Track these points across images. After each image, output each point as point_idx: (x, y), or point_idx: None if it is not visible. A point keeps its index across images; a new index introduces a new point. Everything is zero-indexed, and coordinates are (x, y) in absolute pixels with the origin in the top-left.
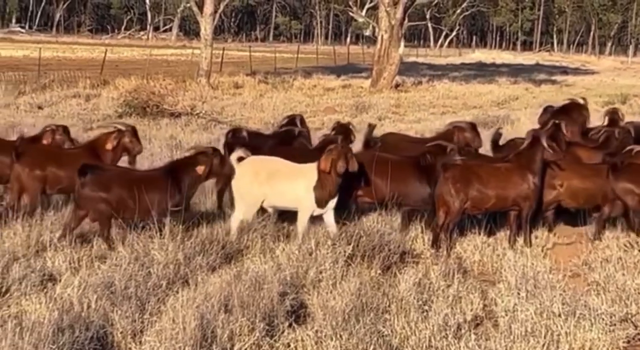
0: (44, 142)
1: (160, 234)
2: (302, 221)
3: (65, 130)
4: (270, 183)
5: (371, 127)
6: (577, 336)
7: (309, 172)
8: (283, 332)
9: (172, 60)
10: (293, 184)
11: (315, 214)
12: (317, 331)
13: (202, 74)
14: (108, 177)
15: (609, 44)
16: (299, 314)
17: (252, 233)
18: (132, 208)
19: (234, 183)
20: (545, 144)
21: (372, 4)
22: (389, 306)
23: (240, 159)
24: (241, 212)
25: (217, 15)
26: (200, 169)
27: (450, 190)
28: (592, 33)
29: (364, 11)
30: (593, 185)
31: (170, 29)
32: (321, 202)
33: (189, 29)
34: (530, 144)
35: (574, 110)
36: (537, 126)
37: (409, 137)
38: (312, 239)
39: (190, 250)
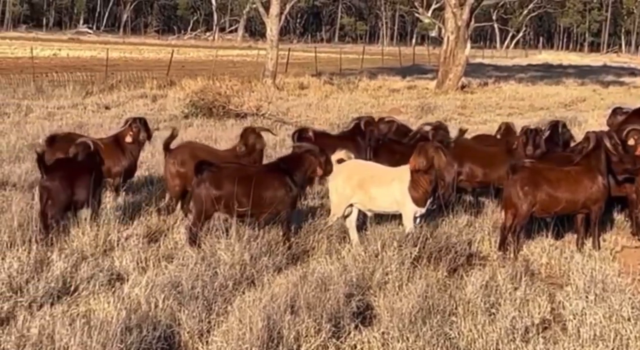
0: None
1: (227, 235)
2: (408, 223)
3: (142, 121)
4: (364, 188)
5: (462, 132)
6: None
7: (402, 174)
8: (349, 333)
9: (237, 61)
10: (387, 189)
11: (417, 214)
12: (383, 333)
13: (268, 74)
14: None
15: None
16: (365, 316)
17: (318, 234)
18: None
19: (330, 183)
20: (609, 146)
21: (438, 5)
22: (456, 308)
23: (339, 161)
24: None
25: (283, 16)
26: (318, 171)
27: (518, 192)
28: None
29: (430, 12)
30: None
31: (236, 30)
32: (419, 202)
33: (255, 30)
34: (594, 146)
35: None
36: (605, 128)
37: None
38: (379, 240)
39: (257, 250)
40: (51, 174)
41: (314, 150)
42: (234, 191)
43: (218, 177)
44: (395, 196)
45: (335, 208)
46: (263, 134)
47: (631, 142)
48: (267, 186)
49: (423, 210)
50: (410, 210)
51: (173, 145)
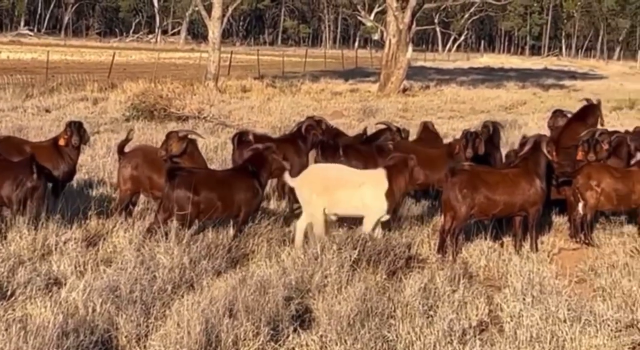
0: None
1: (166, 238)
2: (369, 226)
3: (77, 125)
4: (329, 191)
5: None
6: (582, 342)
7: (376, 178)
8: (288, 336)
9: (180, 64)
10: (355, 192)
11: (383, 220)
12: (321, 336)
13: (210, 77)
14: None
15: (618, 49)
16: (304, 319)
17: (259, 237)
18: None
19: (302, 195)
20: (546, 149)
21: (380, 8)
22: (394, 311)
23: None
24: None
25: (225, 19)
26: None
27: (457, 195)
28: (600, 38)
29: (372, 15)
30: None
31: (179, 33)
32: (392, 207)
33: (198, 33)
34: (532, 149)
35: (589, 114)
36: (546, 131)
37: None
38: (318, 243)
39: (196, 254)
40: None
41: (273, 148)
42: (209, 195)
43: (191, 181)
44: (363, 200)
45: (314, 218)
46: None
47: (605, 145)
48: (237, 189)
49: (388, 216)
50: (376, 216)
51: (127, 148)
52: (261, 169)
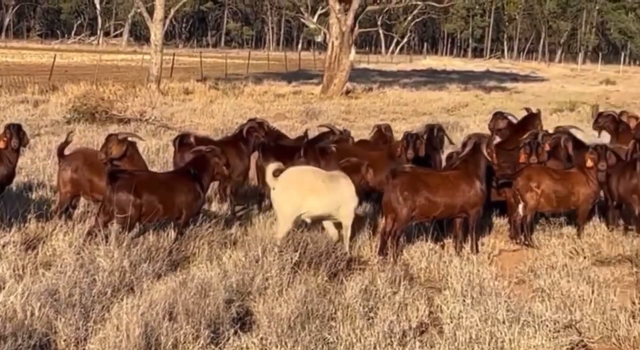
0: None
1: (107, 241)
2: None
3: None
4: (316, 193)
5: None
6: (521, 343)
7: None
8: (228, 339)
9: (122, 66)
10: (334, 194)
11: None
12: (262, 338)
13: (152, 79)
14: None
15: (559, 52)
16: (244, 322)
17: (199, 240)
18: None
19: (278, 196)
20: (486, 151)
21: (323, 11)
22: (335, 313)
23: (276, 173)
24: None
25: (168, 21)
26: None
27: (398, 197)
28: (542, 40)
29: (316, 17)
30: None
31: (121, 35)
32: None
33: (140, 35)
34: (473, 151)
35: (529, 124)
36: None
37: None
38: (259, 245)
39: (136, 257)
40: None
41: (217, 151)
42: (150, 197)
43: (132, 184)
44: (341, 202)
45: (286, 220)
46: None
47: (547, 147)
48: (178, 191)
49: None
50: (351, 217)
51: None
52: (203, 171)
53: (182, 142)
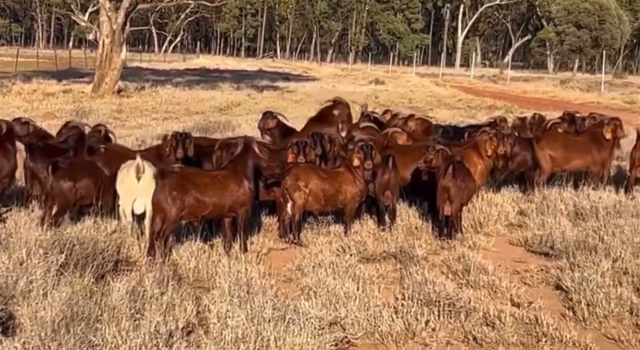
0: None
1: None
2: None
3: None
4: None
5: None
6: (286, 341)
7: None
8: None
9: None
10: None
11: None
12: (24, 343)
13: None
14: None
15: (331, 52)
16: (7, 326)
17: None
18: None
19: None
20: (257, 151)
21: (95, 9)
22: (102, 315)
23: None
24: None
25: None
26: None
27: (167, 197)
28: (314, 40)
29: (87, 15)
30: None
31: None
32: None
33: None
34: (242, 151)
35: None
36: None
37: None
38: (24, 248)
39: None
40: None
41: None
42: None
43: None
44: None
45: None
46: None
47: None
48: None
49: None
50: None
51: None
52: None
53: None
